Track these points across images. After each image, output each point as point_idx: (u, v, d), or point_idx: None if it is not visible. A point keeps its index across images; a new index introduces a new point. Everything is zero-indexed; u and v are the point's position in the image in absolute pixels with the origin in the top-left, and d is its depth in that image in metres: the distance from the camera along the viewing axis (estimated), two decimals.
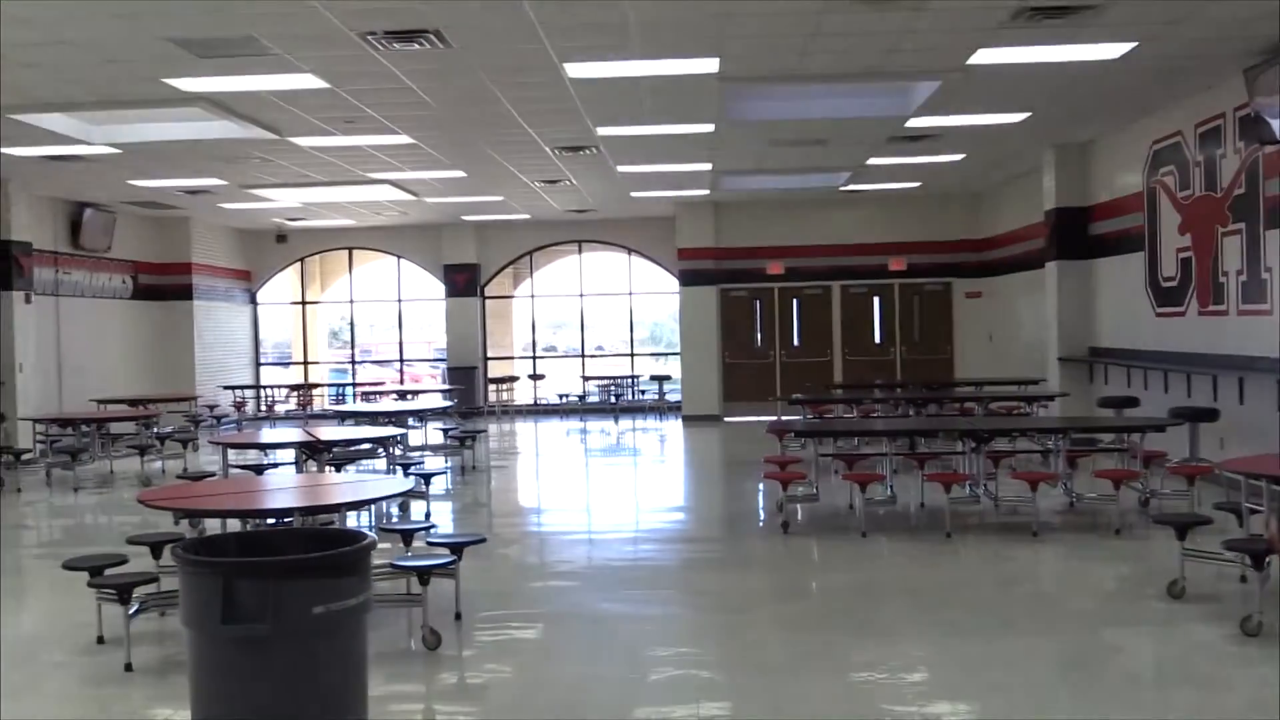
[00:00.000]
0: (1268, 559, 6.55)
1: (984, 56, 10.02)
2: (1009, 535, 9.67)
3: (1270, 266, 10.78)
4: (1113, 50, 9.97)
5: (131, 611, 6.35)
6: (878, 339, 21.84)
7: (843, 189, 18.97)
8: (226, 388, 22.49)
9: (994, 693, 5.65)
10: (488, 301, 24.34)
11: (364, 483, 8.82)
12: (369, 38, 8.95)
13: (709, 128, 13.08)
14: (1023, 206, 18.08)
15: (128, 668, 6.14)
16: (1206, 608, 7.08)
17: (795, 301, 21.81)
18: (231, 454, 11.58)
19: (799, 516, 10.71)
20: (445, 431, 15.93)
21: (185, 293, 21.64)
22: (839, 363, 21.70)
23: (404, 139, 13.27)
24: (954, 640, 6.61)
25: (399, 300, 24.76)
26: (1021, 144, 15.10)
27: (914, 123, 13.10)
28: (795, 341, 21.85)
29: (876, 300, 21.86)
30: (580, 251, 24.01)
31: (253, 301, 24.52)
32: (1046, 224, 16.04)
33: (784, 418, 16.84)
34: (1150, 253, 13.57)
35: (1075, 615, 7.21)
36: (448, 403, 17.87)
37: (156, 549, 7.04)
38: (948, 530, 9.60)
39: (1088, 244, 15.43)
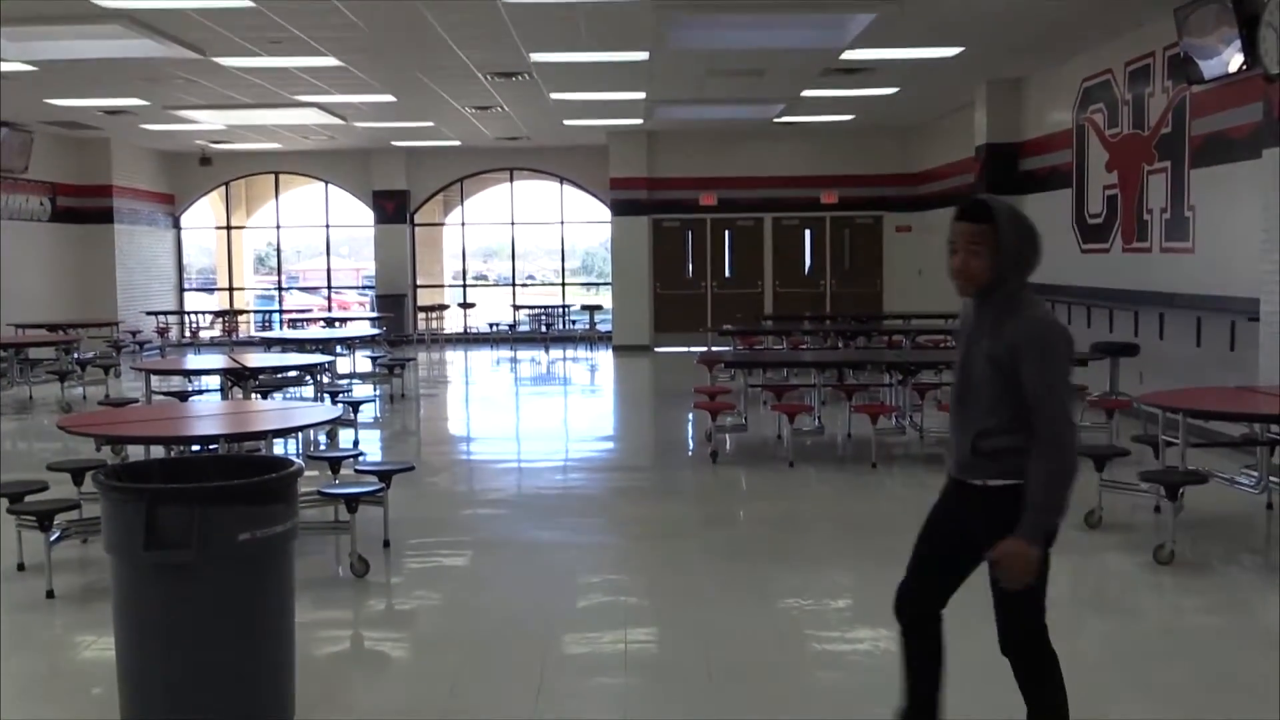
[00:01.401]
0: (1181, 490, 6.73)
1: None
2: (934, 466, 9.82)
3: (1193, 205, 10.96)
4: None
5: (52, 538, 6.26)
6: (808, 271, 21.97)
7: (776, 121, 18.93)
8: (149, 313, 22.09)
9: None
10: (417, 229, 24.06)
11: (292, 410, 8.73)
12: None
13: (644, 55, 12.95)
14: (954, 142, 18.18)
15: (49, 594, 6.06)
16: (1122, 537, 7.28)
17: (727, 233, 21.82)
18: (155, 380, 11.39)
19: (728, 446, 10.80)
20: (374, 359, 15.80)
21: (106, 216, 21.13)
22: (769, 294, 21.80)
23: (332, 61, 12.98)
24: (877, 568, 6.69)
25: (327, 226, 24.39)
26: (954, 79, 15.14)
27: (849, 55, 13.08)
28: (727, 273, 21.89)
29: (808, 233, 21.94)
30: (511, 180, 23.79)
31: (176, 226, 24.03)
32: (977, 160, 16.15)
33: (714, 349, 16.90)
34: (1077, 190, 13.73)
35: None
36: (376, 330, 17.71)
37: (78, 475, 6.94)
38: (873, 460, 9.74)
39: (1017, 180, 15.56)
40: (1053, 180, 14.47)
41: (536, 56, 12.95)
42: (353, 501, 6.52)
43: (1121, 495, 7.70)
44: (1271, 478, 7.52)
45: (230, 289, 25.37)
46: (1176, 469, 7.20)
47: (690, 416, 12.53)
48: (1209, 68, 10.08)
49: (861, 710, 4.55)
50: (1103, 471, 7.45)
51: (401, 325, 22.48)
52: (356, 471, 7.65)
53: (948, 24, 11.61)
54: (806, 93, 15.93)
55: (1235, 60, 9.56)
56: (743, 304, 21.12)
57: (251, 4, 10.17)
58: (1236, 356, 9.82)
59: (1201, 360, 10.51)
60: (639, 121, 19.20)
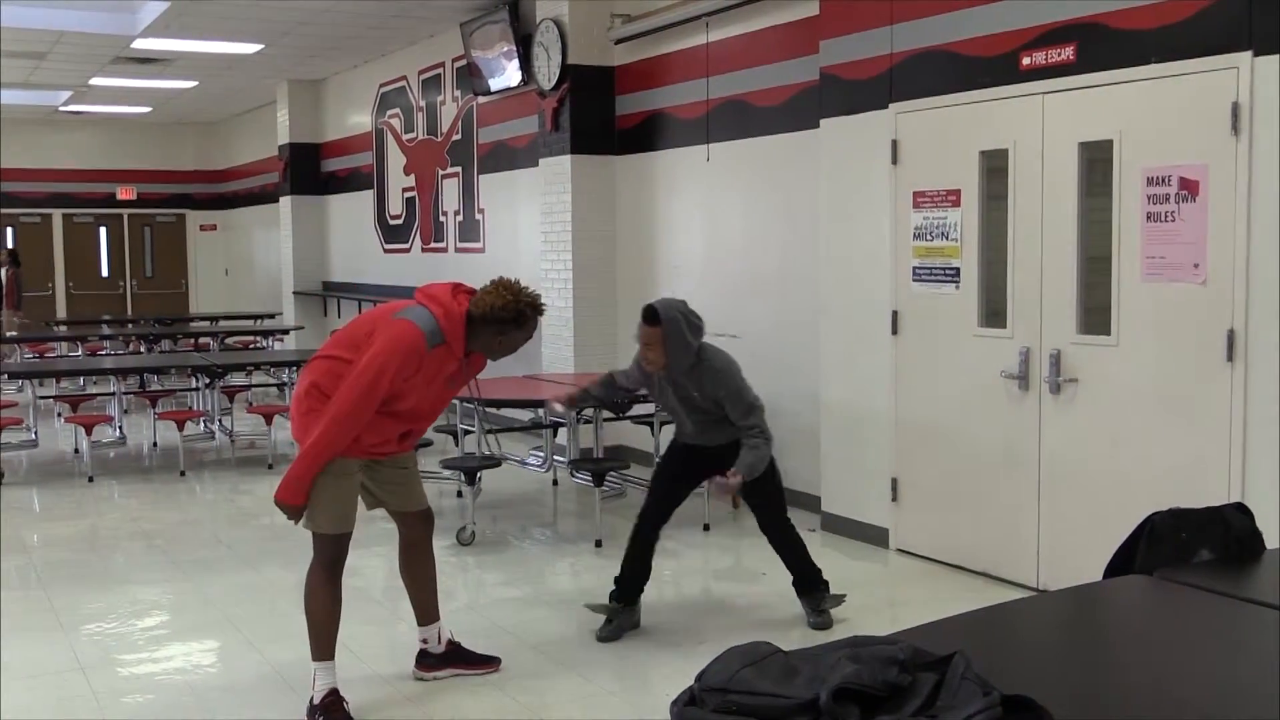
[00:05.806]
0: (478, 474, 7.24)
1: None
2: (246, 469, 9.69)
3: (483, 208, 11.79)
4: None
5: None
6: (105, 272, 20.65)
7: (64, 109, 17.56)
8: None
9: (233, 627, 5.67)
10: None
11: None
12: None
13: None
14: (259, 140, 18.01)
15: None
16: None
17: (10, 230, 19.86)
18: None
19: (22, 466, 9.87)
20: None
21: None
22: (62, 297, 20.18)
23: None
24: (190, 580, 6.51)
25: None
26: (256, 76, 14.98)
27: (142, 44, 12.45)
28: None
29: (103, 231, 20.64)
30: None
31: None
32: (281, 159, 16.13)
33: None
34: (379, 191, 14.20)
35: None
36: None
37: None
38: (182, 469, 9.39)
39: (321, 180, 15.77)
40: (354, 181, 14.84)
41: None
42: None
43: (428, 484, 8.09)
44: (555, 457, 8.32)
45: None
46: (474, 454, 7.73)
47: None
48: (494, 81, 10.88)
49: None
50: None
51: None
52: None
53: (244, 19, 11.46)
54: (96, 81, 14.93)
55: (515, 75, 10.41)
56: (32, 308, 19.26)
57: None
58: (525, 348, 10.70)
59: None
60: None
